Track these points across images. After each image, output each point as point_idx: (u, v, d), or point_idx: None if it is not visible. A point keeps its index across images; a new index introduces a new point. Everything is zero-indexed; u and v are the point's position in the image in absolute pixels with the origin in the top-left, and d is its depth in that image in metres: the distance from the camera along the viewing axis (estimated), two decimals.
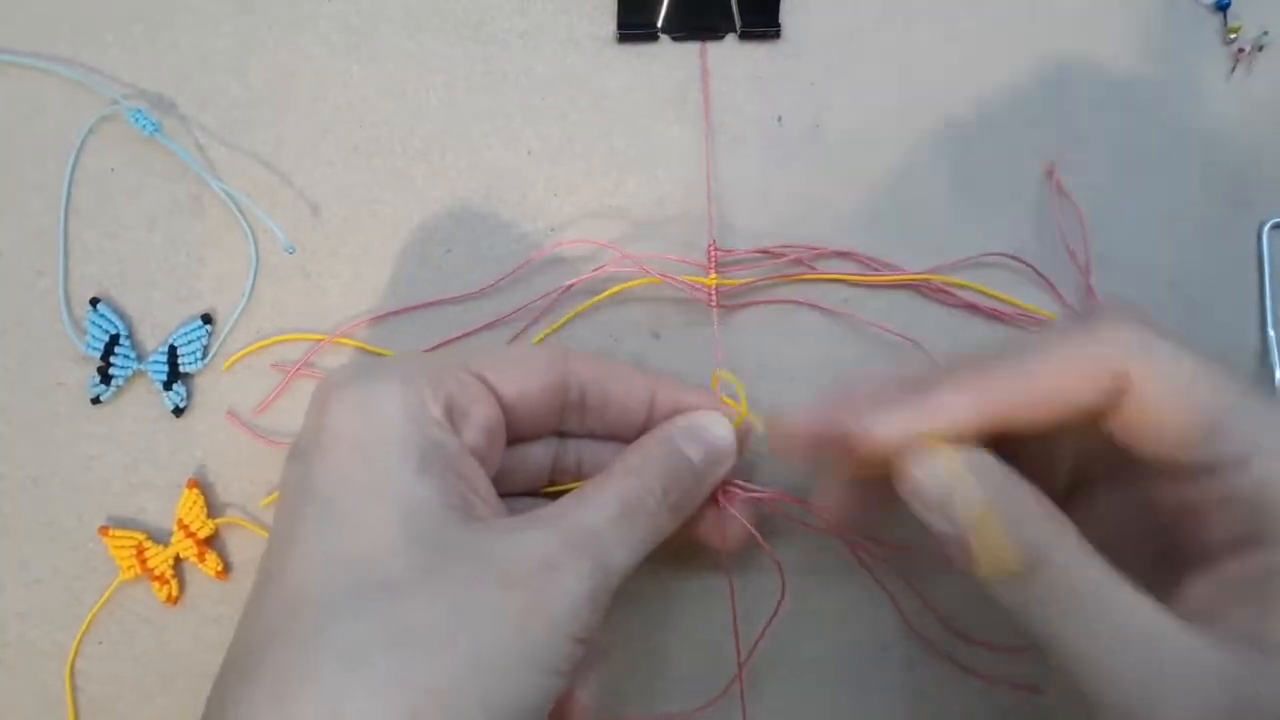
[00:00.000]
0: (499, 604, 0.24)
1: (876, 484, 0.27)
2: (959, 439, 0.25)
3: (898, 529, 0.34)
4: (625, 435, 0.31)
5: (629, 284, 0.36)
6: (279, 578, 0.25)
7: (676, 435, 0.30)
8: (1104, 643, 0.23)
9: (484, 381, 0.29)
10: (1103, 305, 0.34)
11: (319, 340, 0.36)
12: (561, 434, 0.32)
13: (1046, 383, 0.25)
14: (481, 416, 0.28)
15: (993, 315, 0.36)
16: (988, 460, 0.25)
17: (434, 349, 0.36)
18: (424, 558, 0.25)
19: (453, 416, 0.27)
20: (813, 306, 0.36)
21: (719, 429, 0.30)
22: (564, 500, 0.28)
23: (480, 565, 0.25)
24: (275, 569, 0.26)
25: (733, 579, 0.34)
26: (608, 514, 0.27)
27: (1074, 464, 0.30)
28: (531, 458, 0.32)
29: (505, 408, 0.29)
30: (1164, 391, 0.24)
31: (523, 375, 0.29)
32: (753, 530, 0.31)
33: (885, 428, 0.26)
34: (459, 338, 0.36)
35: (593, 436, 0.32)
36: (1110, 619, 0.23)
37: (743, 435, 0.31)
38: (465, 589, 0.24)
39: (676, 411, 0.31)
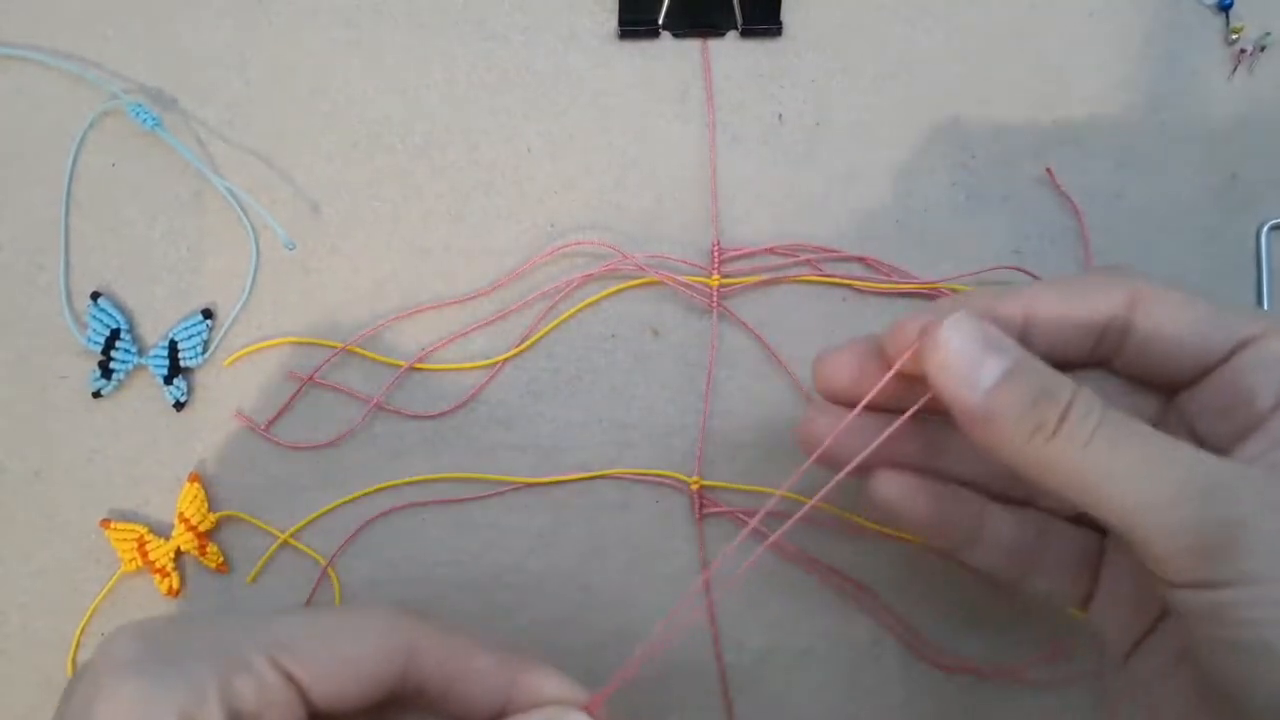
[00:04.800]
0: None
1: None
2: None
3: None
4: None
5: (629, 284, 0.36)
6: None
7: None
8: (1145, 477, 0.24)
9: (289, 677, 0.24)
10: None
11: (335, 348, 0.36)
12: None
13: (1077, 290, 0.28)
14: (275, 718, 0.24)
15: None
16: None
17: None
18: None
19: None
20: (821, 297, 0.36)
21: None
22: None
23: None
24: None
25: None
26: None
27: None
28: None
29: (313, 704, 0.25)
30: (1172, 299, 0.27)
31: (338, 670, 0.25)
32: None
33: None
34: (460, 335, 0.36)
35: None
36: (1147, 451, 0.24)
37: None
38: None
39: (534, 705, 0.26)
